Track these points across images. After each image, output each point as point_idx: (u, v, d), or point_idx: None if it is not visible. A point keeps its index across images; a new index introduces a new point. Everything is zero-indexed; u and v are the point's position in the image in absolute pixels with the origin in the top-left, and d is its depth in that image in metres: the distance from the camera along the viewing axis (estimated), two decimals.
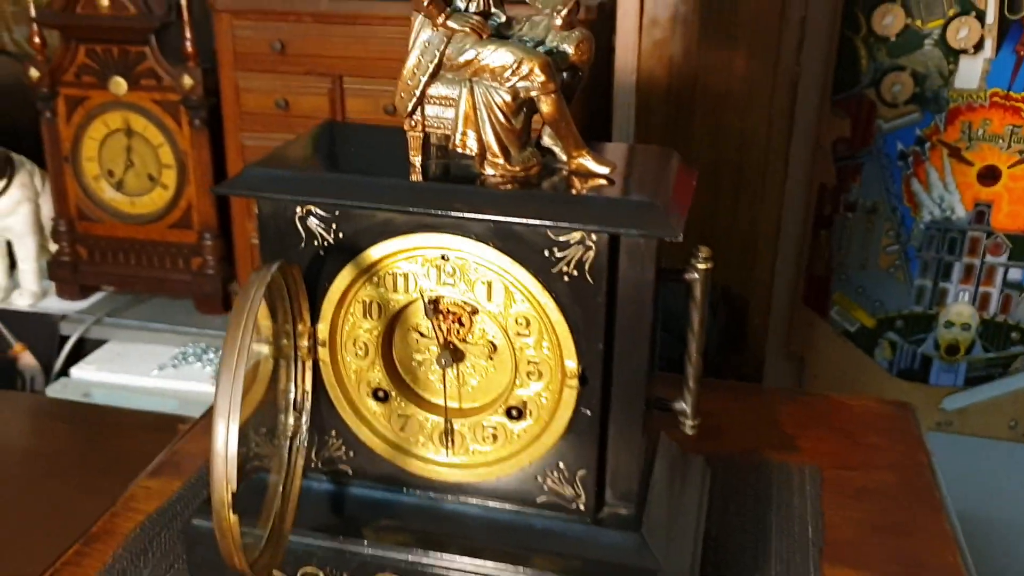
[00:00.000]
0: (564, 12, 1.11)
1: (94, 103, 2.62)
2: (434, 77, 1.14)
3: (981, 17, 2.22)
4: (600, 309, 1.04)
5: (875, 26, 2.29)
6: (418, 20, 1.17)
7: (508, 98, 1.09)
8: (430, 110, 1.13)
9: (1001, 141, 2.31)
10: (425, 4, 1.13)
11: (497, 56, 1.08)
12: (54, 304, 2.82)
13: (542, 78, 1.07)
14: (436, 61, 1.13)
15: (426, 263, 1.09)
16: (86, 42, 2.54)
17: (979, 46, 2.24)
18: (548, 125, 1.13)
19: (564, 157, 1.14)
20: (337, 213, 1.07)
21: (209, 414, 1.33)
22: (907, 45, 2.28)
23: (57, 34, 2.58)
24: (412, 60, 1.15)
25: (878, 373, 2.55)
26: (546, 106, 1.09)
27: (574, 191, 1.06)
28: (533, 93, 1.08)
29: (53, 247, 2.85)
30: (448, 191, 1.07)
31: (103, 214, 2.74)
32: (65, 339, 2.68)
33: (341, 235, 1.07)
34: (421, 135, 1.15)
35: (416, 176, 1.12)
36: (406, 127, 1.16)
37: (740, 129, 2.22)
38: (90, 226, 2.77)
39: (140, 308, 2.82)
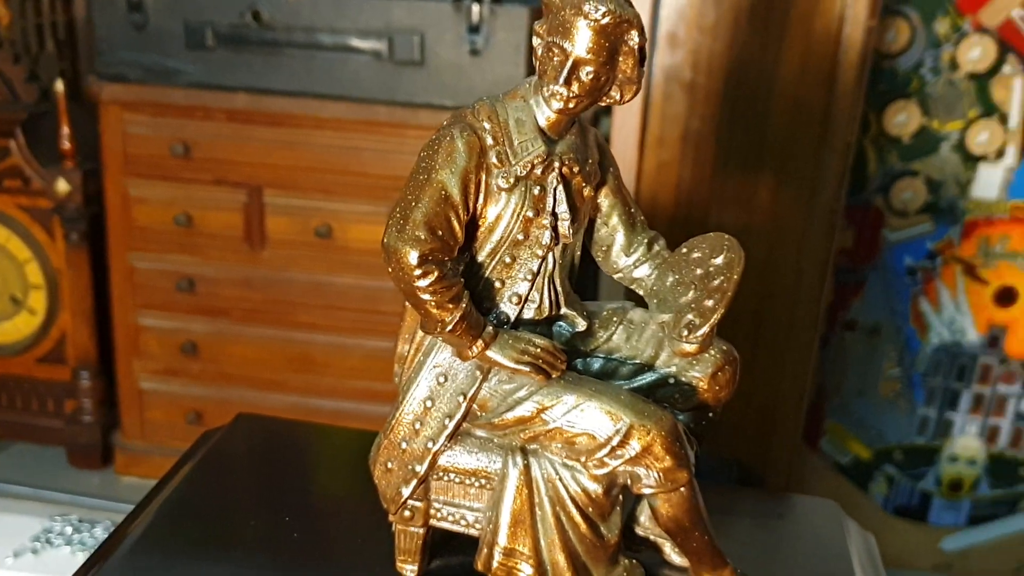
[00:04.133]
0: (703, 332, 0.67)
1: None
2: (453, 439, 0.69)
3: (1005, 120, 2.10)
4: None
5: (887, 125, 2.15)
6: (416, 332, 0.72)
7: (597, 489, 0.65)
8: (440, 492, 0.68)
9: (1021, 259, 2.20)
10: (448, 322, 0.68)
11: (580, 417, 0.65)
12: None
13: (666, 463, 0.64)
14: (460, 413, 0.69)
15: None
16: None
17: (1001, 153, 2.13)
18: (668, 534, 0.69)
19: (676, 560, 0.70)
20: None
21: None
22: (922, 148, 2.15)
23: None
24: (412, 405, 0.70)
25: (871, 510, 2.41)
26: (668, 507, 0.65)
27: None
28: (647, 488, 0.65)
29: None
30: None
31: None
32: None
33: None
34: (422, 532, 0.70)
35: None
36: (395, 518, 0.71)
37: (762, 273, 1.91)
38: None
39: None
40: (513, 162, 0.71)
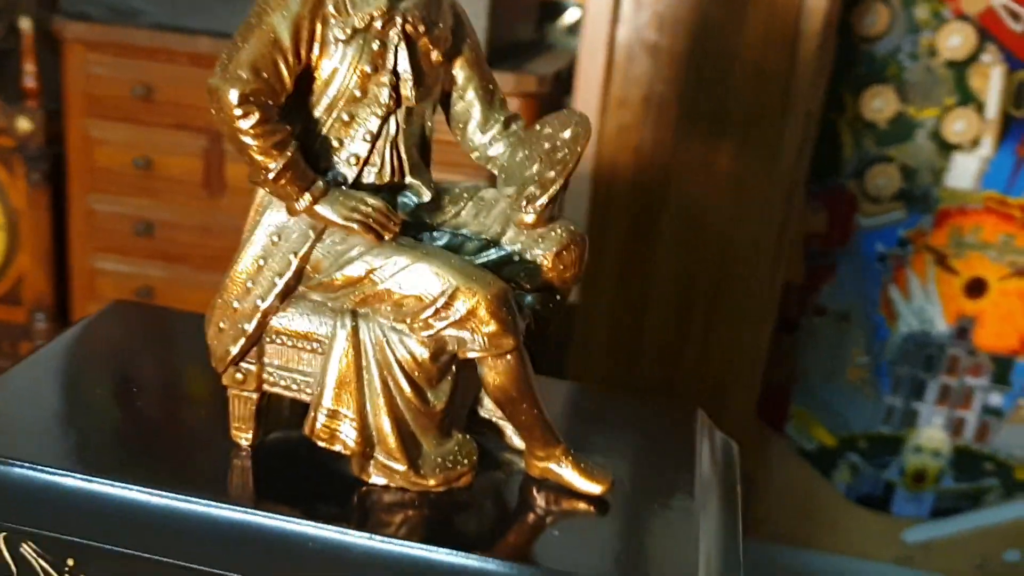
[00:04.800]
0: (541, 202, 0.66)
1: None
2: (285, 299, 0.68)
3: (982, 110, 2.08)
4: None
5: (863, 109, 2.12)
6: (258, 193, 0.72)
7: (424, 354, 0.64)
8: (274, 355, 0.68)
9: (992, 251, 2.18)
10: (271, 170, 0.67)
11: (409, 278, 0.64)
12: None
13: (491, 327, 0.63)
14: (290, 272, 0.68)
15: None
16: None
17: (976, 142, 2.10)
18: (497, 404, 0.68)
19: (517, 444, 0.69)
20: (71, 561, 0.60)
21: None
22: (897, 134, 2.13)
23: None
24: (244, 264, 0.69)
25: (834, 497, 2.41)
26: (495, 375, 0.64)
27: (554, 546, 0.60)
28: (472, 352, 0.64)
29: None
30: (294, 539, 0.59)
31: None
32: None
33: None
34: (255, 398, 0.69)
35: (242, 492, 0.64)
36: (227, 381, 0.69)
37: (720, 238, 1.88)
38: None
39: None
40: (351, 12, 0.69)
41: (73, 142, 2.03)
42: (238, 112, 0.66)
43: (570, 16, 2.24)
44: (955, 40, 2.04)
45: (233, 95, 0.65)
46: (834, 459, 2.39)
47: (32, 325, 2.28)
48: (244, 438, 0.70)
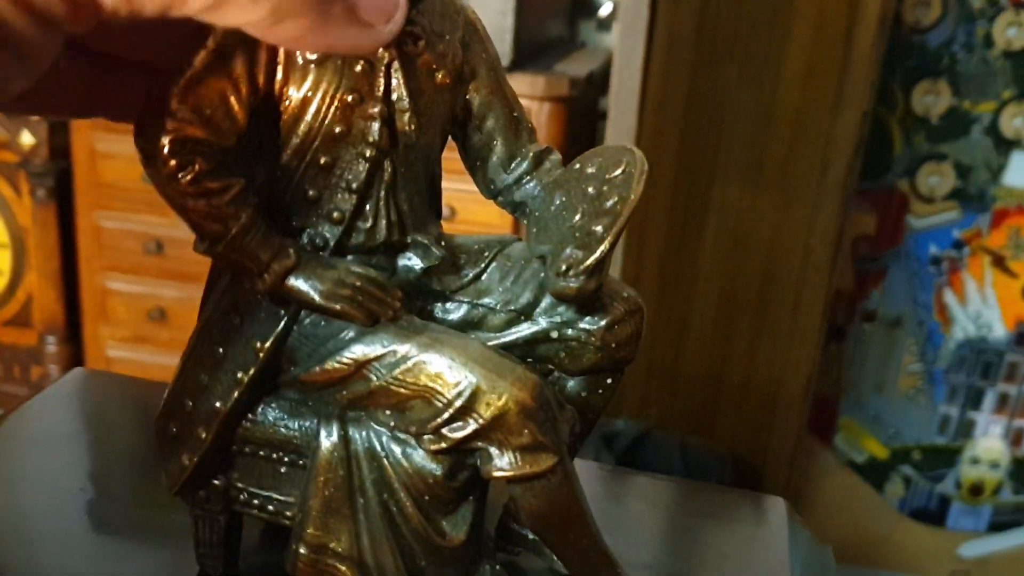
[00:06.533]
0: (586, 266, 0.48)
1: None
2: (253, 398, 0.51)
3: None
4: None
5: (914, 105, 2.04)
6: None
7: (436, 472, 0.47)
8: (243, 469, 0.52)
9: None
10: (222, 237, 0.48)
11: (413, 374, 0.48)
12: None
13: (524, 438, 0.46)
14: (256, 366, 0.50)
15: None
16: None
17: None
18: (536, 534, 0.52)
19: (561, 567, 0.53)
20: None
21: None
22: (951, 130, 2.05)
23: None
24: (198, 351, 0.49)
25: (886, 512, 2.35)
26: (531, 499, 0.47)
27: None
28: (500, 471, 0.47)
29: None
30: None
31: None
32: None
33: None
34: (223, 520, 0.53)
35: None
36: (184, 499, 0.53)
37: (767, 246, 1.79)
38: None
39: None
40: None
41: (79, 157, 1.96)
42: (172, 163, 0.48)
43: (603, 11, 2.15)
44: (1013, 30, 1.95)
45: (165, 141, 0.48)
46: (886, 472, 2.33)
47: (43, 348, 2.22)
48: (211, 567, 0.55)
